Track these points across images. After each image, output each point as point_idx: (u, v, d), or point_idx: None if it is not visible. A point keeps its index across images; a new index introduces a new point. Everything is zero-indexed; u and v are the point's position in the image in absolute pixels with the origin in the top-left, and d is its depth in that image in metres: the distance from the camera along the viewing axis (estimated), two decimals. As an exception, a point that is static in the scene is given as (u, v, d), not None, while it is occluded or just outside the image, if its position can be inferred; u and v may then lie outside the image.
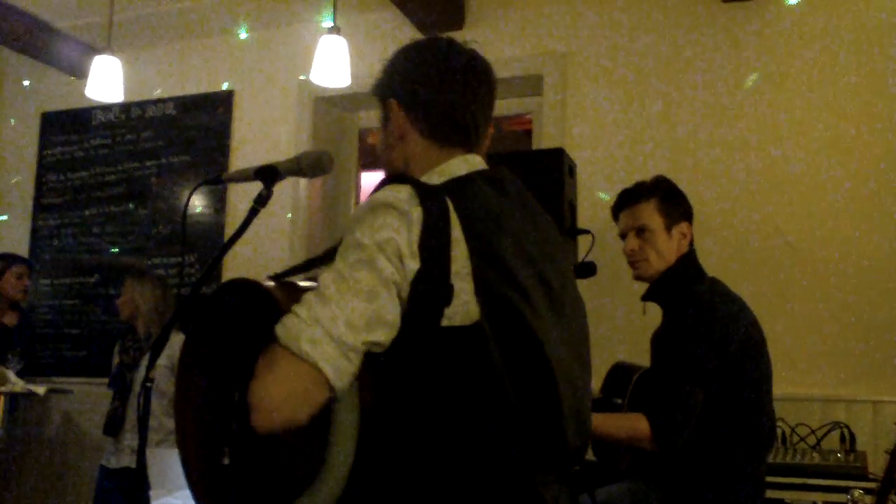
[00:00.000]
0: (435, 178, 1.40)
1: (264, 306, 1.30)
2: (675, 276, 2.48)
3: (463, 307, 1.24)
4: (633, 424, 2.26)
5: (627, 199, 2.60)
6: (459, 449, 1.25)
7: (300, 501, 1.20)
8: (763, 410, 2.37)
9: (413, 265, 1.23)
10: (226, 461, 1.34)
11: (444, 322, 1.23)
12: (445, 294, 1.23)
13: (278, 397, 1.15)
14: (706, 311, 2.33)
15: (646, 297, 2.55)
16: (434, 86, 1.46)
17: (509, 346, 1.26)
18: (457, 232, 1.26)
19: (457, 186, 1.35)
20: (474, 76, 1.48)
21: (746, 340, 2.34)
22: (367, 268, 1.21)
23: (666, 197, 2.55)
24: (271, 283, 1.37)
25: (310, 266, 1.46)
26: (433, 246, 1.24)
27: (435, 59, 1.48)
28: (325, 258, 1.40)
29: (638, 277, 2.58)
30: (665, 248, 2.51)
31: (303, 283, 1.41)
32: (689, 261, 2.51)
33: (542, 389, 1.29)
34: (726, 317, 2.33)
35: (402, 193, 1.27)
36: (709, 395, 2.25)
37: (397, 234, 1.23)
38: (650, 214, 2.53)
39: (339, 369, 1.16)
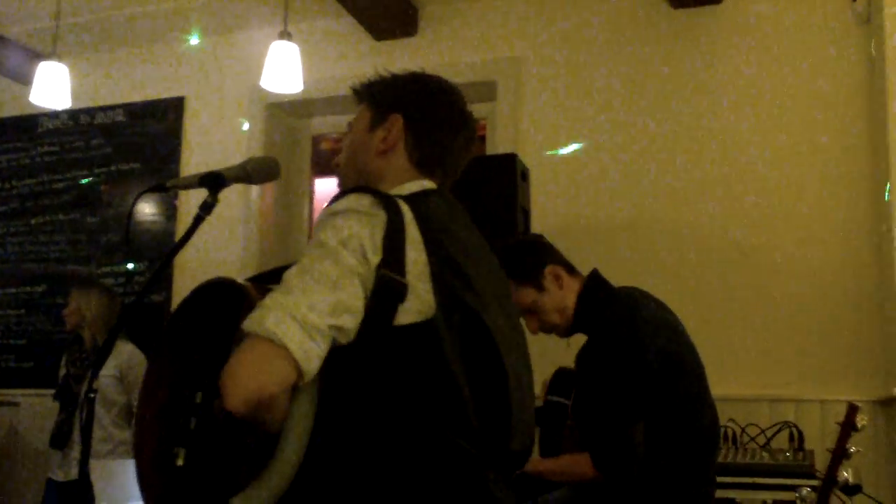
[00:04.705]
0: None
1: (237, 306, 1.30)
2: (586, 309, 2.46)
3: (420, 306, 1.28)
4: (582, 469, 2.30)
5: None
6: (411, 443, 1.27)
7: (249, 491, 1.19)
8: (701, 412, 2.39)
9: (375, 259, 1.27)
10: (180, 462, 1.33)
11: (400, 319, 1.26)
12: (400, 291, 1.27)
13: (244, 374, 1.16)
14: (618, 345, 2.33)
15: (568, 335, 2.55)
16: (443, 128, 1.55)
17: (466, 344, 1.30)
18: (415, 234, 1.31)
19: (412, 197, 1.41)
20: (471, 131, 1.60)
21: (664, 354, 2.33)
22: (329, 260, 1.25)
23: (514, 267, 2.45)
24: (248, 283, 1.38)
25: (279, 274, 1.45)
26: (393, 244, 1.28)
27: (448, 103, 1.58)
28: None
29: (565, 336, 2.57)
30: (554, 303, 2.49)
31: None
32: (591, 289, 2.49)
33: (495, 387, 1.33)
34: (637, 340, 2.32)
35: (365, 200, 1.32)
36: (647, 421, 2.27)
37: (359, 232, 1.27)
38: (520, 296, 2.49)
39: (305, 349, 1.18)
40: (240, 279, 1.42)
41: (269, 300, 1.22)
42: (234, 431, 1.21)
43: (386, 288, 1.26)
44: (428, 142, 1.54)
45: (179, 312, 1.46)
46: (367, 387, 1.27)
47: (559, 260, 2.55)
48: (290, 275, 1.25)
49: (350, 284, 1.24)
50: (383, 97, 1.58)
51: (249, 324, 1.20)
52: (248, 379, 1.16)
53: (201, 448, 1.33)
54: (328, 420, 1.24)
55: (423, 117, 1.55)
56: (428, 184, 1.52)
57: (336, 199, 1.35)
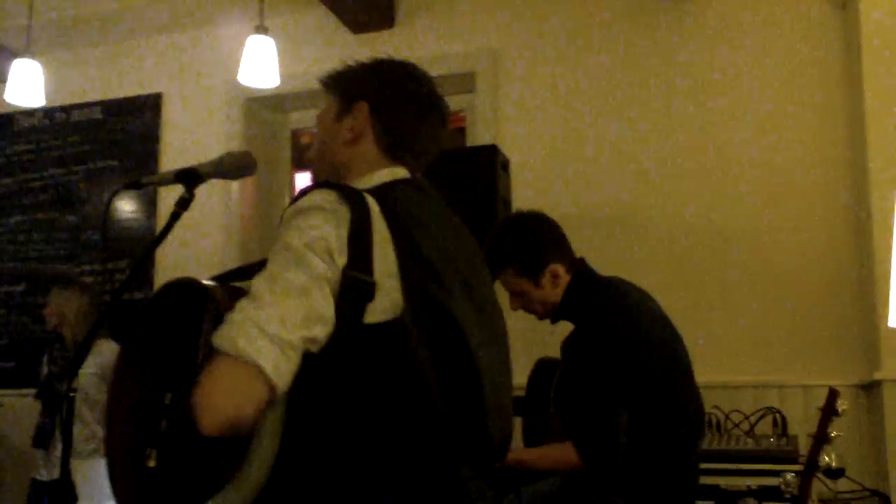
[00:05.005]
0: (361, 186, 1.43)
1: (203, 306, 1.30)
2: (571, 301, 2.48)
3: (388, 304, 1.26)
4: (566, 458, 2.29)
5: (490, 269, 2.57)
6: (383, 441, 1.26)
7: (223, 494, 1.19)
8: (686, 399, 2.40)
9: (342, 260, 1.25)
10: (151, 463, 1.32)
11: (369, 318, 1.25)
12: (368, 290, 1.25)
13: (219, 396, 1.15)
14: (603, 335, 2.34)
15: (554, 320, 2.56)
16: (410, 113, 1.54)
17: (435, 340, 1.29)
18: (383, 231, 1.30)
19: (381, 190, 1.39)
20: (440, 115, 1.59)
21: (649, 342, 2.35)
22: (297, 267, 1.22)
23: (519, 261, 2.48)
24: (212, 283, 1.37)
25: (246, 272, 1.45)
26: (359, 242, 1.27)
27: (414, 87, 1.56)
28: (261, 266, 1.41)
29: (544, 319, 2.58)
30: (543, 298, 2.49)
31: (244, 286, 1.39)
32: (577, 286, 2.49)
33: (467, 383, 1.32)
34: (622, 328, 2.33)
35: (329, 196, 1.30)
36: (632, 409, 2.27)
37: (326, 232, 1.25)
38: (513, 282, 2.50)
39: (278, 366, 1.16)
40: (205, 278, 1.40)
41: (239, 315, 1.19)
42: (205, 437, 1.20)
43: (353, 289, 1.24)
44: (395, 128, 1.53)
45: (145, 312, 1.45)
46: (338, 387, 1.26)
47: (563, 255, 2.51)
48: (259, 284, 1.22)
49: (319, 291, 1.22)
50: (349, 86, 1.57)
51: (221, 341, 1.17)
52: (222, 402, 1.15)
53: (172, 449, 1.32)
54: (300, 421, 1.23)
55: (388, 103, 1.54)
56: (399, 171, 1.51)
57: (301, 195, 1.33)
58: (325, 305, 1.22)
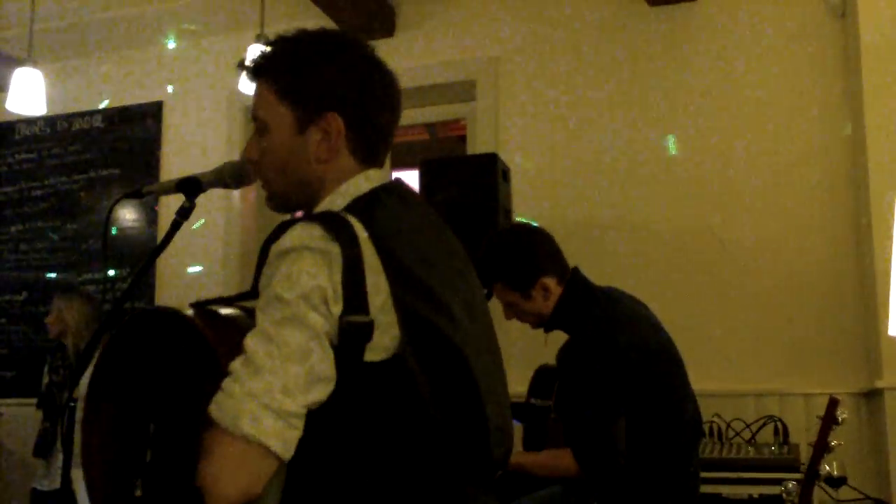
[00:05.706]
0: (339, 199, 1.35)
1: (183, 333, 1.27)
2: (564, 311, 2.49)
3: (387, 340, 1.20)
4: (565, 464, 2.31)
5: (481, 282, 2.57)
6: (387, 469, 1.23)
7: None
8: (682, 405, 2.41)
9: (337, 309, 1.18)
10: (138, 493, 1.30)
11: (369, 356, 1.20)
12: (367, 331, 1.19)
13: (229, 482, 1.12)
14: (598, 343, 2.35)
15: (547, 330, 2.57)
16: (379, 110, 1.39)
17: (436, 370, 1.24)
18: (373, 260, 1.22)
19: (363, 207, 1.29)
20: (397, 94, 1.43)
21: (642, 349, 2.36)
22: (294, 326, 1.16)
23: (507, 274, 2.50)
24: (191, 312, 1.32)
25: (225, 302, 1.40)
26: (354, 284, 1.19)
27: (375, 75, 1.40)
28: (241, 297, 1.37)
29: (535, 328, 2.60)
30: (534, 309, 2.51)
31: (224, 311, 1.36)
32: (570, 295, 2.49)
33: (469, 408, 1.28)
34: (615, 336, 2.35)
35: (315, 232, 1.20)
36: (629, 417, 2.29)
37: (319, 279, 1.17)
38: (503, 293, 2.53)
39: (285, 440, 1.13)
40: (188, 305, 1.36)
41: (237, 386, 1.13)
42: (192, 464, 1.17)
43: (352, 334, 1.18)
44: (371, 132, 1.39)
45: (116, 340, 1.40)
46: (341, 421, 1.21)
47: (554, 268, 2.51)
48: (254, 346, 1.15)
49: (321, 350, 1.16)
50: (308, 94, 1.37)
51: (221, 418, 1.12)
52: (232, 488, 1.12)
53: (158, 480, 1.29)
54: (303, 455, 1.19)
55: (359, 109, 1.37)
56: (372, 174, 1.39)
57: (281, 229, 1.24)
58: (327, 365, 1.17)
